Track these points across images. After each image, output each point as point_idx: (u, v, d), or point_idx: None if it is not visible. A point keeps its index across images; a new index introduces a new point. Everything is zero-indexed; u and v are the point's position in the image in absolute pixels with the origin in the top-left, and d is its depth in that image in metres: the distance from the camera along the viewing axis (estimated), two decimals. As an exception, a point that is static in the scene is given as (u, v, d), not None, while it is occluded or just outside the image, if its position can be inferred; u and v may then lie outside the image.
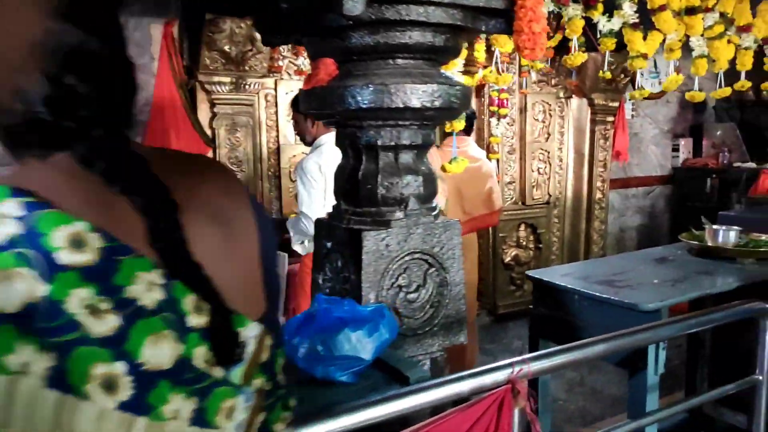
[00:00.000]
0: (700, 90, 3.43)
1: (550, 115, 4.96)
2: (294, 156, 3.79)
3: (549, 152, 5.00)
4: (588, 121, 5.02)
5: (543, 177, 5.01)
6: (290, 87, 3.72)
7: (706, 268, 2.24)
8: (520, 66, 4.62)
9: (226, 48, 3.12)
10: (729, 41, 2.83)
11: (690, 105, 5.96)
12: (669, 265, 2.29)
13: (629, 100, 5.36)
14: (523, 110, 4.83)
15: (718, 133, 5.85)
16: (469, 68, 4.46)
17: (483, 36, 4.02)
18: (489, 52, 4.43)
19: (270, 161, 3.72)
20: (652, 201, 5.89)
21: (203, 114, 3.27)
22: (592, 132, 4.99)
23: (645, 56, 2.61)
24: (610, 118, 5.04)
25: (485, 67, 4.51)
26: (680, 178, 5.88)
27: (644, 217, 5.84)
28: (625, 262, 2.38)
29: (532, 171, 4.95)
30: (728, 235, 2.42)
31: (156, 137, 3.26)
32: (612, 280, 2.05)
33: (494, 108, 4.64)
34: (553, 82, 4.93)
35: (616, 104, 5.01)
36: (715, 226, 2.50)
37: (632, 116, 5.61)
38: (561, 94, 4.99)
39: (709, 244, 2.45)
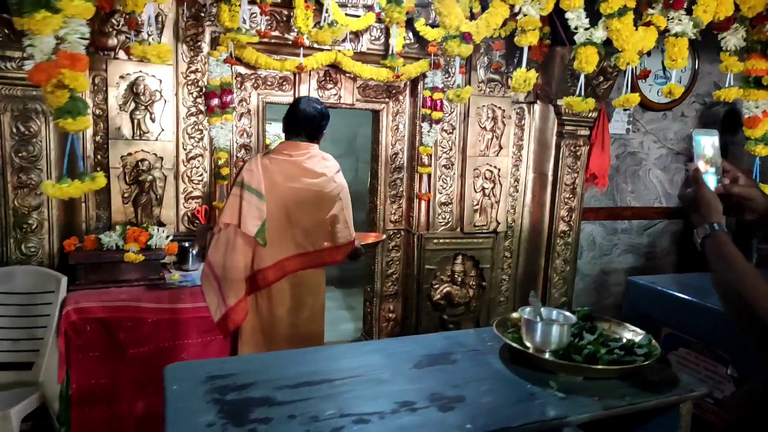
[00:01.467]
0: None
1: (504, 124, 3.98)
2: (130, 154, 3.12)
3: (500, 169, 4.02)
4: (554, 134, 3.99)
5: (490, 200, 4.04)
6: (125, 69, 3.05)
7: (472, 391, 1.32)
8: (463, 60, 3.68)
9: (4, 15, 2.50)
10: (650, 23, 1.83)
11: (716, 120, 4.73)
12: (427, 376, 1.39)
13: (619, 109, 4.28)
14: (466, 116, 3.89)
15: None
16: (385, 62, 3.58)
17: (401, 23, 3.14)
18: (419, 38, 3.56)
19: (97, 158, 3.07)
20: (650, 239, 4.71)
21: (-14, 96, 2.67)
22: (558, 147, 3.95)
23: (468, 39, 1.67)
24: (584, 132, 3.97)
25: (409, 58, 3.64)
26: (692, 213, 4.66)
27: (638, 258, 4.68)
28: (374, 356, 1.49)
29: (476, 191, 3.99)
30: (549, 332, 1.47)
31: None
32: (278, 404, 1.20)
33: (426, 111, 3.75)
34: (509, 82, 3.94)
35: (593, 114, 3.95)
36: (545, 309, 1.56)
37: (628, 131, 4.48)
38: (521, 98, 3.99)
39: (526, 343, 1.51)
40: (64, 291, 2.62)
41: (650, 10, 1.93)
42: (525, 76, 2.00)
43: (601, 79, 3.77)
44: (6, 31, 2.57)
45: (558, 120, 3.94)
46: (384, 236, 3.29)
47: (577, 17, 1.93)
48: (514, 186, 4.10)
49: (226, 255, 2.44)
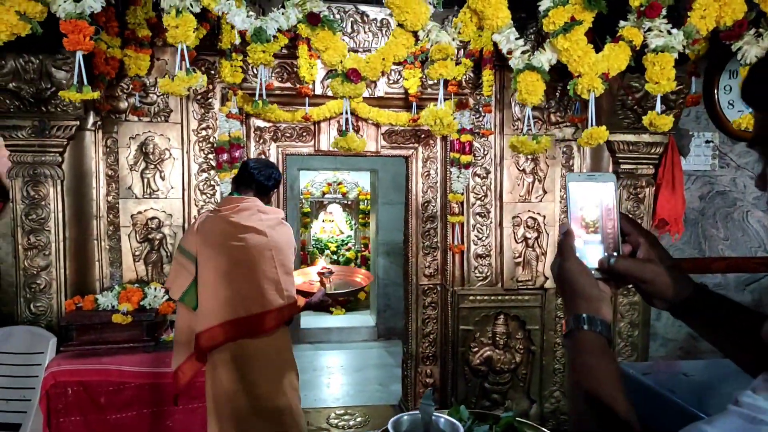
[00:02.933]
0: None
1: (547, 165, 3.51)
2: (140, 212, 3.15)
3: (545, 216, 3.52)
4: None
5: (535, 251, 3.54)
6: (135, 130, 3.12)
7: None
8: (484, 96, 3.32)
9: (11, 86, 2.66)
10: (621, 38, 1.41)
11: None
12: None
13: (700, 141, 3.63)
14: (501, 158, 3.49)
15: None
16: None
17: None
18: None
19: (109, 218, 3.13)
20: (756, 296, 3.84)
21: (4, 162, 2.84)
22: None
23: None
24: (647, 170, 3.37)
25: (433, 99, 3.36)
26: (812, 264, 3.74)
27: (739, 319, 3.81)
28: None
29: (516, 242, 3.53)
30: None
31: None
32: None
33: (455, 155, 3.43)
34: (552, 118, 3.49)
35: (656, 150, 3.35)
36: (438, 417, 1.18)
37: (714, 166, 3.75)
38: (567, 135, 3.51)
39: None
40: (53, 352, 2.63)
41: (621, 23, 1.49)
42: (436, 115, 1.63)
43: (664, 108, 3.18)
44: (17, 102, 2.73)
45: (612, 158, 3.39)
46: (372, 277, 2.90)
47: (506, 39, 1.54)
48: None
49: (177, 317, 2.32)
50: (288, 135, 3.49)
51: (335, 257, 7.86)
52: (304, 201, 7.71)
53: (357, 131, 3.55)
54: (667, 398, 1.25)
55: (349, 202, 8.16)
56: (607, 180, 0.88)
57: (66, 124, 2.82)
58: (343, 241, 8.19)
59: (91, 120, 3.01)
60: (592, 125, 1.72)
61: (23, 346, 2.69)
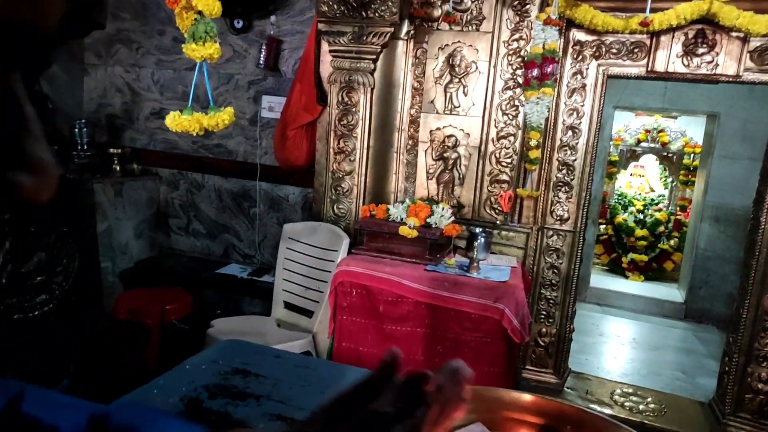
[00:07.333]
0: None
1: None
2: (439, 128, 3.00)
3: None
4: None
5: None
6: (444, 40, 2.92)
7: None
8: None
9: (342, -10, 2.71)
10: None
11: None
12: None
13: None
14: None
15: None
16: None
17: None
18: None
19: (410, 131, 3.07)
20: None
21: (327, 68, 2.97)
22: None
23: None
24: None
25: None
26: None
27: None
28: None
29: None
30: None
31: (293, 88, 3.22)
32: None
33: None
34: None
35: None
36: None
37: None
38: None
39: None
40: (345, 252, 2.73)
41: None
42: None
43: None
44: (342, 7, 2.80)
45: None
46: None
47: None
48: None
49: None
50: (614, 51, 2.87)
51: (641, 216, 6.81)
52: (612, 148, 6.79)
53: (712, 47, 2.71)
54: None
55: (669, 154, 6.90)
56: None
57: (381, 31, 2.79)
58: (653, 199, 7.03)
59: (404, 29, 2.94)
60: None
61: (325, 241, 2.87)
